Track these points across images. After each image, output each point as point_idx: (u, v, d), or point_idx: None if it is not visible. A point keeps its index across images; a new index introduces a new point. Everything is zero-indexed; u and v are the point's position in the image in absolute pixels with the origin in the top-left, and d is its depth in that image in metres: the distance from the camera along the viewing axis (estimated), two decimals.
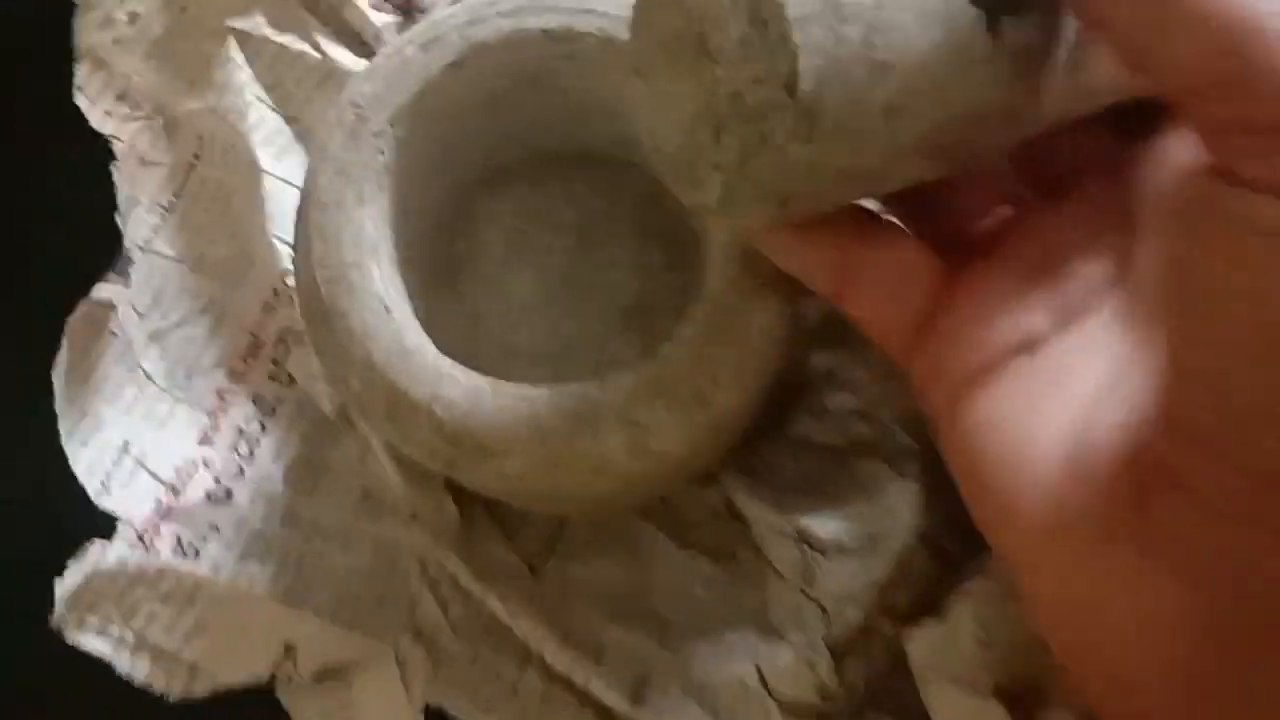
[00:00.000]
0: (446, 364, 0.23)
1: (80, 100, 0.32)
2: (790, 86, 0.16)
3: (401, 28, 0.33)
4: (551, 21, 0.24)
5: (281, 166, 0.31)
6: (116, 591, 0.29)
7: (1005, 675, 0.25)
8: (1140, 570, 0.15)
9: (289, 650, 0.29)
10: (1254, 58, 0.14)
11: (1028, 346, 0.19)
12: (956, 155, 0.19)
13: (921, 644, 0.26)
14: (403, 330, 0.23)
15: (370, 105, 0.24)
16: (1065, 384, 0.18)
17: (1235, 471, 0.15)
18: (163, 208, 0.33)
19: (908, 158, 0.18)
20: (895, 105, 0.17)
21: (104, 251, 0.31)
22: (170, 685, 0.29)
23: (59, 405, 0.30)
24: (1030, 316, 0.19)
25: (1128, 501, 0.16)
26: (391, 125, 0.24)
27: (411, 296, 0.25)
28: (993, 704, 0.25)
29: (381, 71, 0.24)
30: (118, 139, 0.32)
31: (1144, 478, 0.16)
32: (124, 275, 0.31)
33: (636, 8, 0.19)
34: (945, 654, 0.25)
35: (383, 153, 0.24)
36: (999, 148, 0.20)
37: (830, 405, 0.32)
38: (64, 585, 0.28)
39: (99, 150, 0.32)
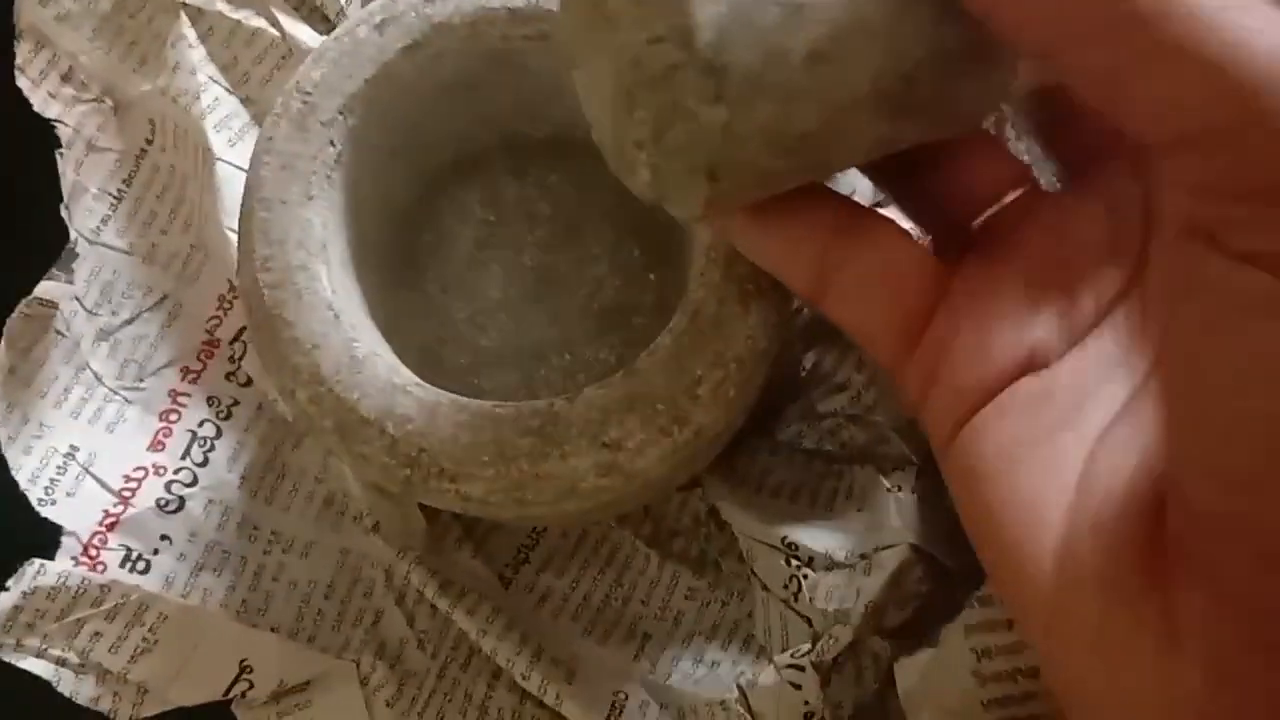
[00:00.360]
0: (402, 376, 0.21)
1: (21, 82, 0.30)
2: (687, 41, 0.14)
3: (367, 2, 0.31)
4: None
5: (236, 152, 0.29)
6: (57, 610, 0.27)
7: (999, 710, 0.23)
8: (1161, 657, 0.13)
9: (245, 668, 0.28)
10: (1254, 104, 0.11)
11: (1034, 362, 0.17)
12: (924, 112, 0.16)
13: (912, 672, 0.24)
14: (354, 339, 0.21)
15: (319, 92, 0.22)
16: (1080, 415, 0.16)
17: (1253, 560, 0.13)
18: (112, 196, 0.31)
19: (856, 117, 0.16)
20: (820, 52, 0.15)
21: (49, 247, 0.29)
22: (117, 707, 0.27)
23: None
24: (1037, 326, 0.17)
25: (1144, 571, 0.14)
26: (343, 114, 0.22)
27: (368, 298, 0.23)
28: None
29: (332, 55, 0.22)
30: (63, 123, 0.30)
31: (1160, 548, 0.14)
32: (68, 271, 0.29)
33: None
34: (937, 684, 0.24)
35: (333, 144, 0.22)
36: (982, 101, 0.17)
37: (822, 408, 0.30)
38: None
39: (42, 136, 0.30)
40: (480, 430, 0.20)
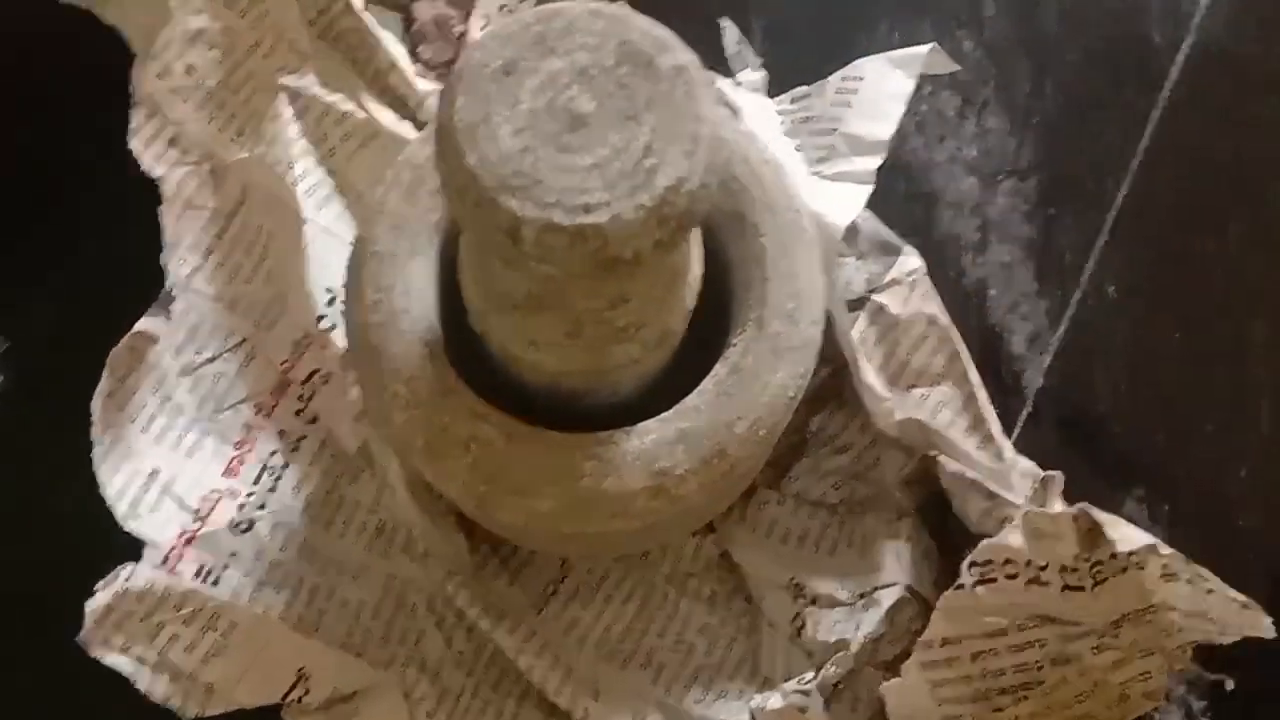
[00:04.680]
0: (483, 406, 0.24)
1: (133, 144, 0.34)
2: None
3: None
4: None
5: (322, 215, 0.33)
6: (142, 612, 0.30)
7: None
8: None
9: (302, 675, 0.30)
10: None
11: None
12: None
13: (893, 695, 0.28)
14: (445, 373, 0.24)
15: (426, 167, 0.26)
16: None
17: None
18: (204, 249, 0.34)
19: None
20: None
21: (151, 287, 0.33)
22: (186, 705, 0.30)
23: (94, 431, 0.31)
24: None
25: None
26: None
27: (451, 343, 0.27)
28: None
29: None
30: (166, 182, 0.34)
31: None
32: (165, 310, 0.33)
33: None
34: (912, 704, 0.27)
35: (435, 211, 0.26)
36: None
37: (826, 466, 0.34)
38: (93, 604, 0.29)
39: (152, 192, 0.34)
40: (550, 454, 0.24)
